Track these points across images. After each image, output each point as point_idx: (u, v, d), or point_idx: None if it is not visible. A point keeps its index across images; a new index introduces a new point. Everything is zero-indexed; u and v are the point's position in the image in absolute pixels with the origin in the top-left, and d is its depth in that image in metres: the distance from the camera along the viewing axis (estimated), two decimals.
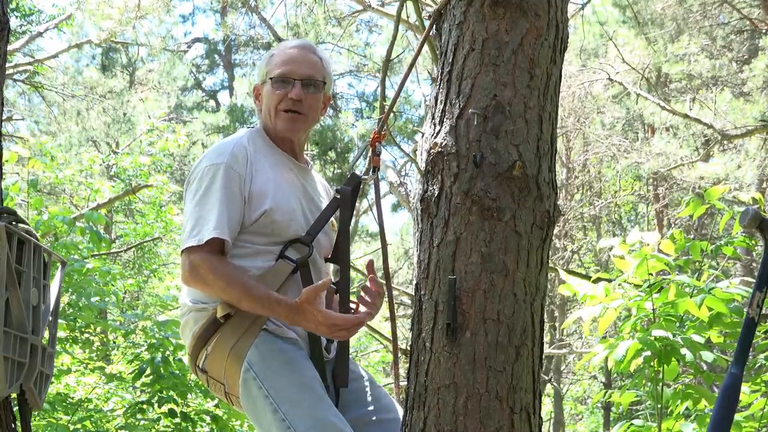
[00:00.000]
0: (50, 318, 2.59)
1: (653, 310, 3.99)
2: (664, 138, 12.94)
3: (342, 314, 2.48)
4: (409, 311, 12.06)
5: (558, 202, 2.43)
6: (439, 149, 2.37)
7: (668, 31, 12.87)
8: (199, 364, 2.54)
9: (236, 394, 2.48)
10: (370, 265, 2.65)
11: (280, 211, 2.53)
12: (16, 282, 2.37)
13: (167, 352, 6.81)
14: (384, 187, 13.15)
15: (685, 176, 12.44)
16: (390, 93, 12.33)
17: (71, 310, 7.28)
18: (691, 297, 3.87)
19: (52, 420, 7.35)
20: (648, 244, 4.03)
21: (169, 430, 6.96)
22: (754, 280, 2.31)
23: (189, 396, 6.98)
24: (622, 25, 13.76)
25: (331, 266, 2.76)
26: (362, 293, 2.60)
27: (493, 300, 2.25)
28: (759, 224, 2.24)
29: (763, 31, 11.96)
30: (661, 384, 3.99)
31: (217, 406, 7.08)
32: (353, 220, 2.77)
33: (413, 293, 2.49)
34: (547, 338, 15.06)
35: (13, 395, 2.46)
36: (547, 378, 15.17)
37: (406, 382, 2.40)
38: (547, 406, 17.11)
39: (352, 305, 2.60)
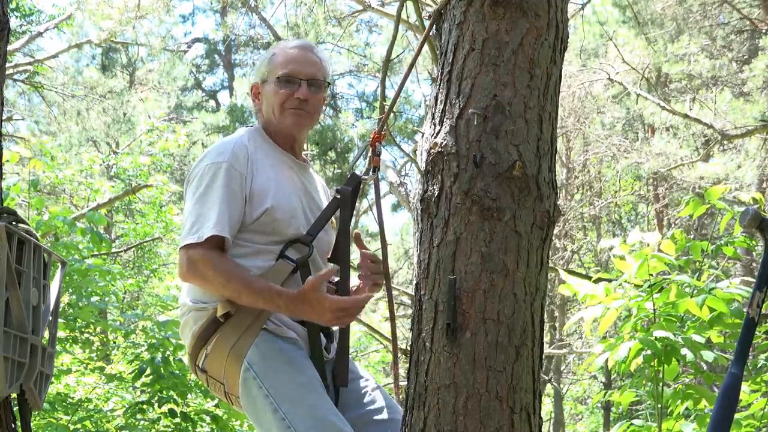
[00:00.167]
0: (50, 318, 2.59)
1: (654, 310, 3.99)
2: (664, 138, 12.94)
3: (348, 297, 2.50)
4: (409, 311, 12.06)
5: (558, 202, 2.43)
6: (439, 149, 2.37)
7: (668, 31, 12.87)
8: (198, 363, 2.54)
9: (236, 394, 2.48)
10: (357, 236, 2.68)
11: (281, 210, 2.54)
12: (16, 282, 2.37)
13: (167, 352, 6.81)
14: (384, 187, 13.17)
15: (685, 176, 12.44)
16: (390, 93, 12.32)
17: (71, 310, 7.28)
18: (691, 297, 3.87)
19: (52, 420, 7.35)
20: (648, 245, 4.03)
21: (169, 430, 6.96)
22: (754, 280, 2.31)
23: (189, 396, 6.98)
24: (622, 25, 13.75)
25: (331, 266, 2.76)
26: (361, 270, 2.65)
27: (493, 300, 2.25)
28: (759, 224, 2.24)
29: (763, 31, 11.96)
30: (661, 384, 3.99)
31: (217, 406, 7.08)
32: (353, 220, 2.78)
33: (413, 293, 2.49)
34: (547, 338, 15.06)
35: (13, 395, 2.46)
36: (547, 378, 15.16)
37: (406, 382, 2.40)
38: (547, 406, 17.11)
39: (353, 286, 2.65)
